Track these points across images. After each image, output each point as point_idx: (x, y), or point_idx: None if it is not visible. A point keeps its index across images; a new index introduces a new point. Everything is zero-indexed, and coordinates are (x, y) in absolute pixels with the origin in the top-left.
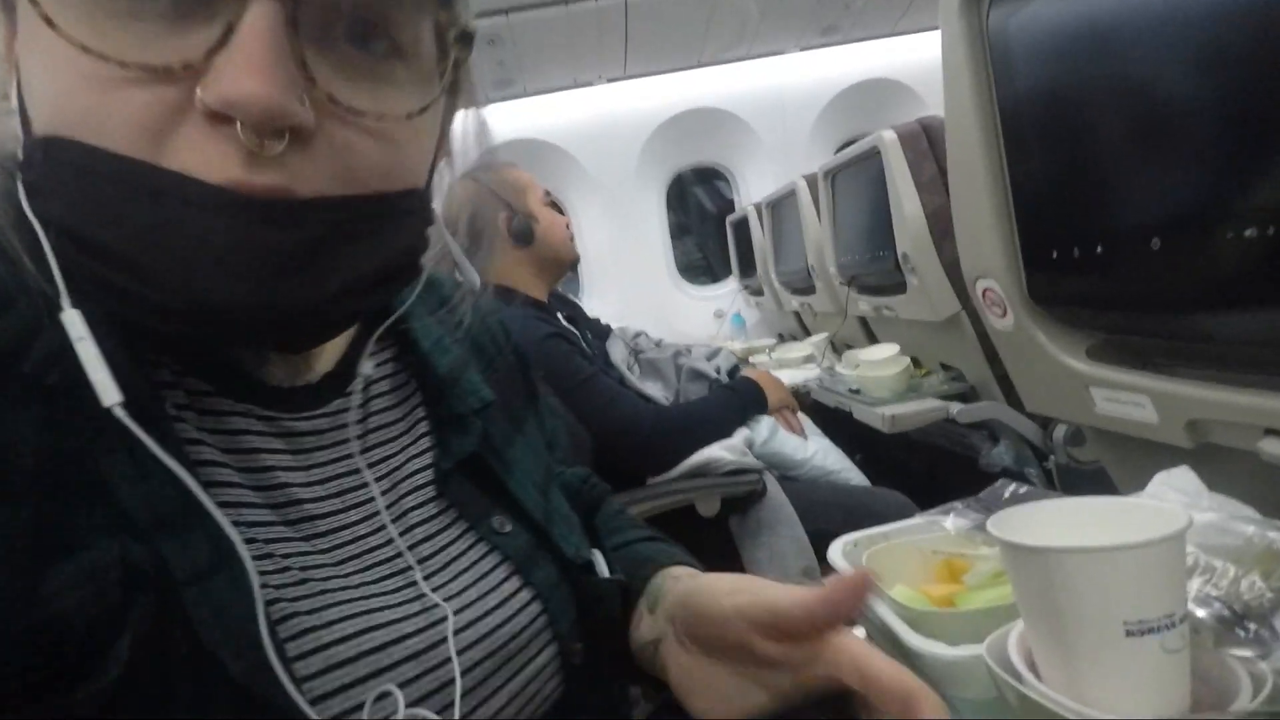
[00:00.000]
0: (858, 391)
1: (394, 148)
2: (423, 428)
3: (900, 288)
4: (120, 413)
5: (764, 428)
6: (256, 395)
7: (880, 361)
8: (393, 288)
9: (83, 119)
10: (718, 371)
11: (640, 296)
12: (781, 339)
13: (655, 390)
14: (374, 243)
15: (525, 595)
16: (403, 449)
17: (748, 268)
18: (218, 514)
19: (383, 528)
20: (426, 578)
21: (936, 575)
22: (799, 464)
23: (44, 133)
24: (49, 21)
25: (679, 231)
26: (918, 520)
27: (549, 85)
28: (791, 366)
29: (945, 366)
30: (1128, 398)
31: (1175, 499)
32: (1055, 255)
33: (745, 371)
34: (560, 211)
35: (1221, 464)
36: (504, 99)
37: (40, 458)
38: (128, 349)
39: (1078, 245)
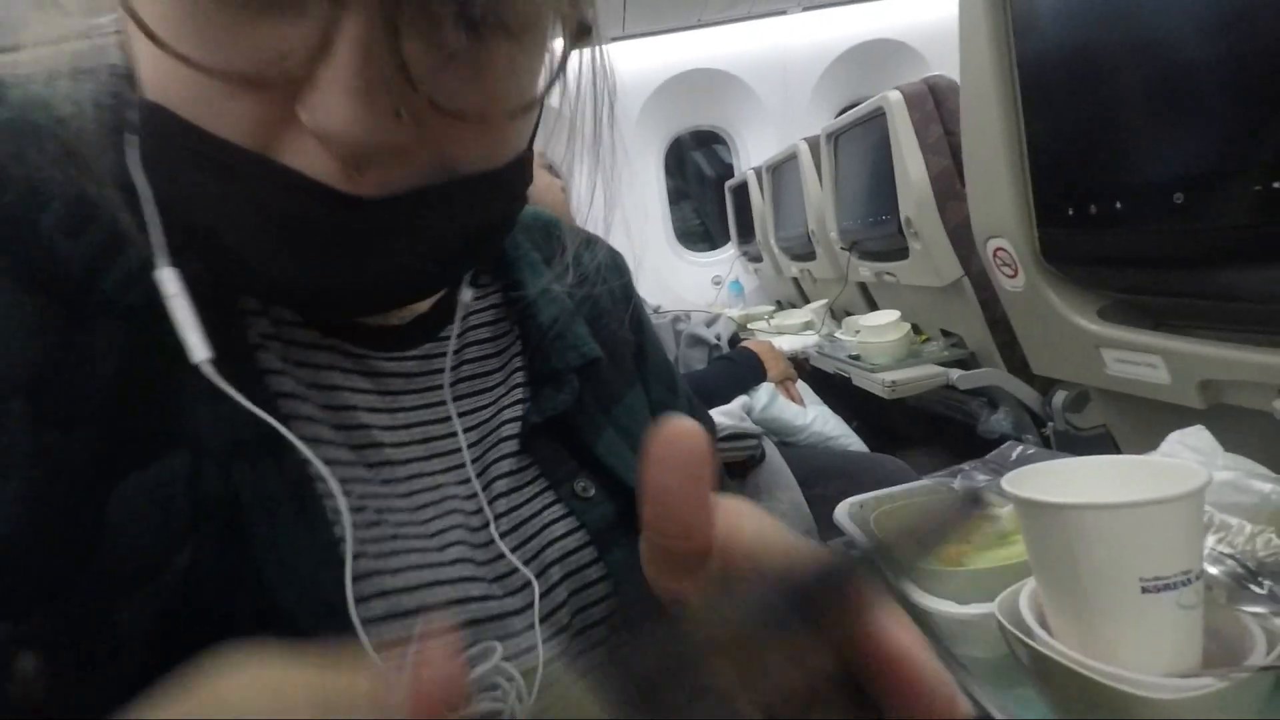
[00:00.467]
0: (857, 358)
1: (499, 133)
2: (519, 378)
3: (902, 253)
4: (208, 369)
5: (763, 394)
6: (344, 331)
7: (881, 327)
8: (491, 248)
9: (190, 110)
10: (717, 339)
11: (638, 262)
12: (780, 306)
13: None
14: (473, 214)
15: (594, 572)
16: (495, 400)
17: (746, 234)
18: (305, 450)
19: (467, 480)
20: (503, 535)
21: None
22: (797, 430)
23: (154, 100)
24: (151, 36)
25: (677, 197)
26: (925, 482)
27: None
28: (791, 333)
29: (946, 333)
30: (1140, 358)
31: (1190, 458)
32: (1071, 213)
33: (745, 341)
34: (556, 175)
35: (1233, 425)
36: None
37: (116, 375)
38: (214, 287)
39: (1094, 202)
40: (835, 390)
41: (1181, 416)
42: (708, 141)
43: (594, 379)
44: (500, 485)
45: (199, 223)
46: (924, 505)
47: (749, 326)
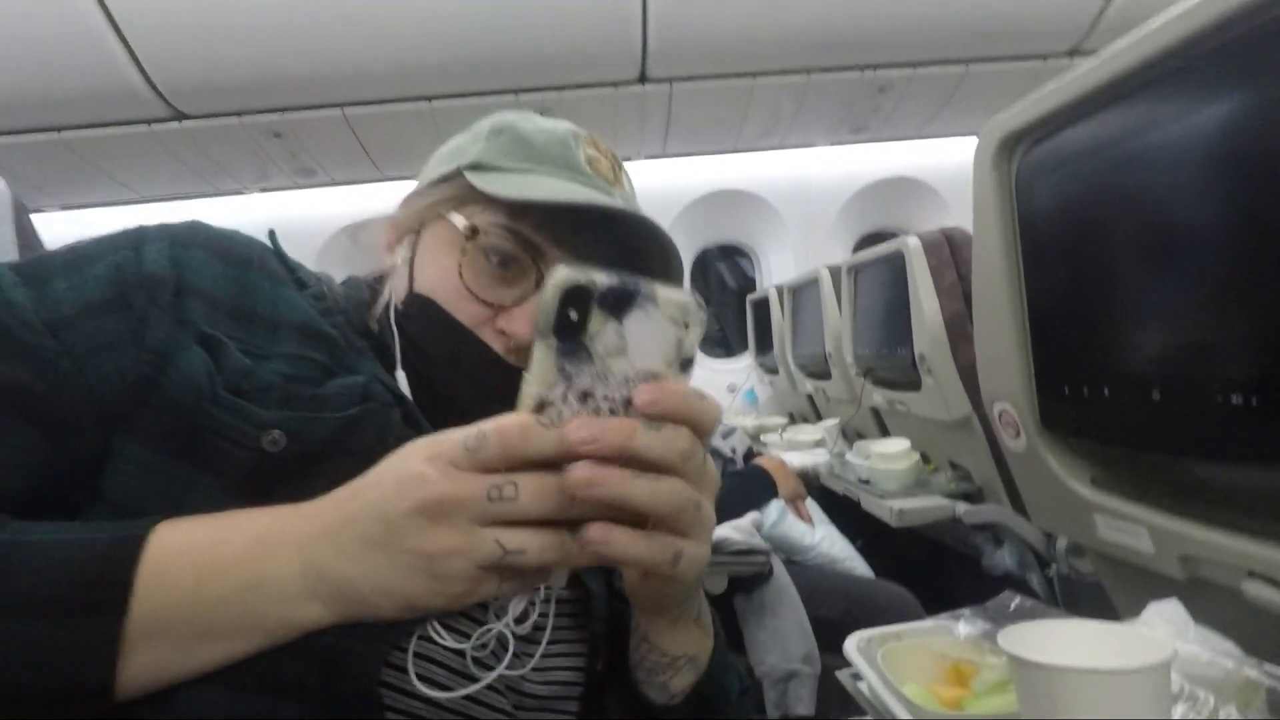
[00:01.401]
0: (867, 482)
1: None
2: None
3: (915, 385)
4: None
5: (773, 511)
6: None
7: (891, 455)
8: None
9: (450, 303)
10: (733, 452)
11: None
12: (792, 419)
13: None
14: None
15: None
16: None
17: (764, 346)
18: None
19: None
20: None
21: (945, 677)
22: (805, 549)
23: (422, 291)
24: (466, 287)
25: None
26: (929, 623)
27: None
28: (802, 449)
29: (954, 465)
30: (1127, 527)
31: (1164, 629)
32: (1067, 390)
33: (759, 458)
34: None
35: (1210, 598)
36: None
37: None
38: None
39: (1086, 385)
40: (842, 509)
41: (1167, 582)
42: (732, 254)
43: None
44: None
45: (426, 358)
46: (927, 644)
47: (762, 438)
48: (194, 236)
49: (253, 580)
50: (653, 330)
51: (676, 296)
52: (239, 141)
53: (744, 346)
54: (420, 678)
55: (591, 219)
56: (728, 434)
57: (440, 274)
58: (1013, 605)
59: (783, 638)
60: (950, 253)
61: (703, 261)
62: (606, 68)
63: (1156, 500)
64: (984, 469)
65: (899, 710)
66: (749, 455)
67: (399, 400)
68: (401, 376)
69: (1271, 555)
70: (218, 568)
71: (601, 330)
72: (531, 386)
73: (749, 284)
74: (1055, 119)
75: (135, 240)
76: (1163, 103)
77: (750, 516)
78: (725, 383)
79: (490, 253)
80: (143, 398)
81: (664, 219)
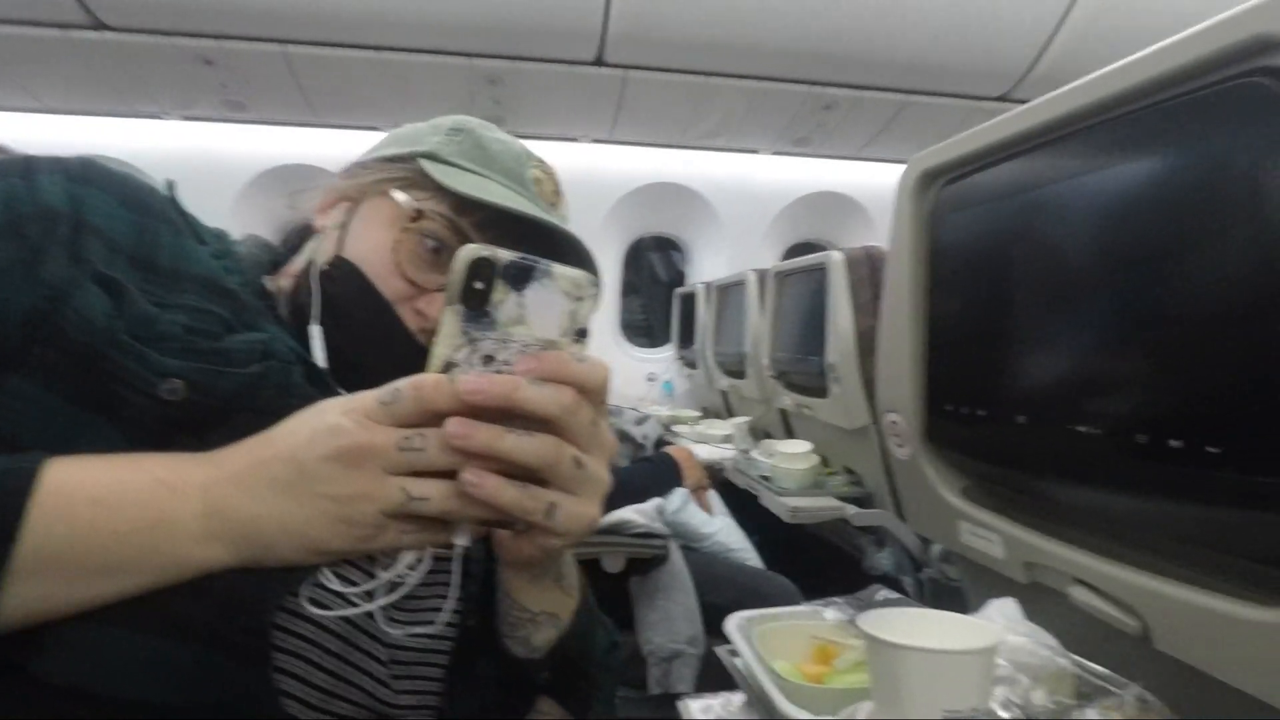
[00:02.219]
0: (768, 479)
1: None
2: None
3: (822, 391)
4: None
5: (676, 498)
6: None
7: (793, 455)
8: None
9: (377, 275)
10: (644, 439)
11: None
12: (706, 413)
13: None
14: None
15: None
16: None
17: (687, 340)
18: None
19: None
20: None
21: (813, 656)
22: (703, 537)
23: (349, 258)
24: (397, 263)
25: (627, 289)
26: (804, 608)
27: (536, 132)
28: (711, 443)
29: (849, 470)
30: (985, 534)
31: (1000, 621)
32: (950, 408)
33: (669, 447)
34: None
35: (1046, 600)
36: None
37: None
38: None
39: (967, 404)
40: (742, 503)
41: (1011, 585)
42: (665, 246)
43: None
44: None
45: (341, 322)
46: (800, 626)
47: (674, 428)
48: (90, 174)
49: (153, 518)
50: (550, 302)
51: (572, 273)
52: (164, 63)
53: (668, 338)
54: (304, 619)
55: (529, 232)
56: (641, 421)
57: (373, 246)
58: (878, 596)
59: (671, 619)
60: (870, 271)
61: (636, 250)
62: (564, 46)
63: (1011, 512)
64: (875, 476)
65: (767, 683)
66: (660, 443)
67: (301, 359)
68: (316, 332)
69: (1095, 566)
70: (117, 503)
71: (504, 300)
72: (440, 348)
73: (679, 277)
74: (970, 161)
75: (24, 169)
76: (1061, 160)
77: (654, 502)
78: (645, 371)
79: (427, 237)
80: (35, 333)
81: (604, 204)
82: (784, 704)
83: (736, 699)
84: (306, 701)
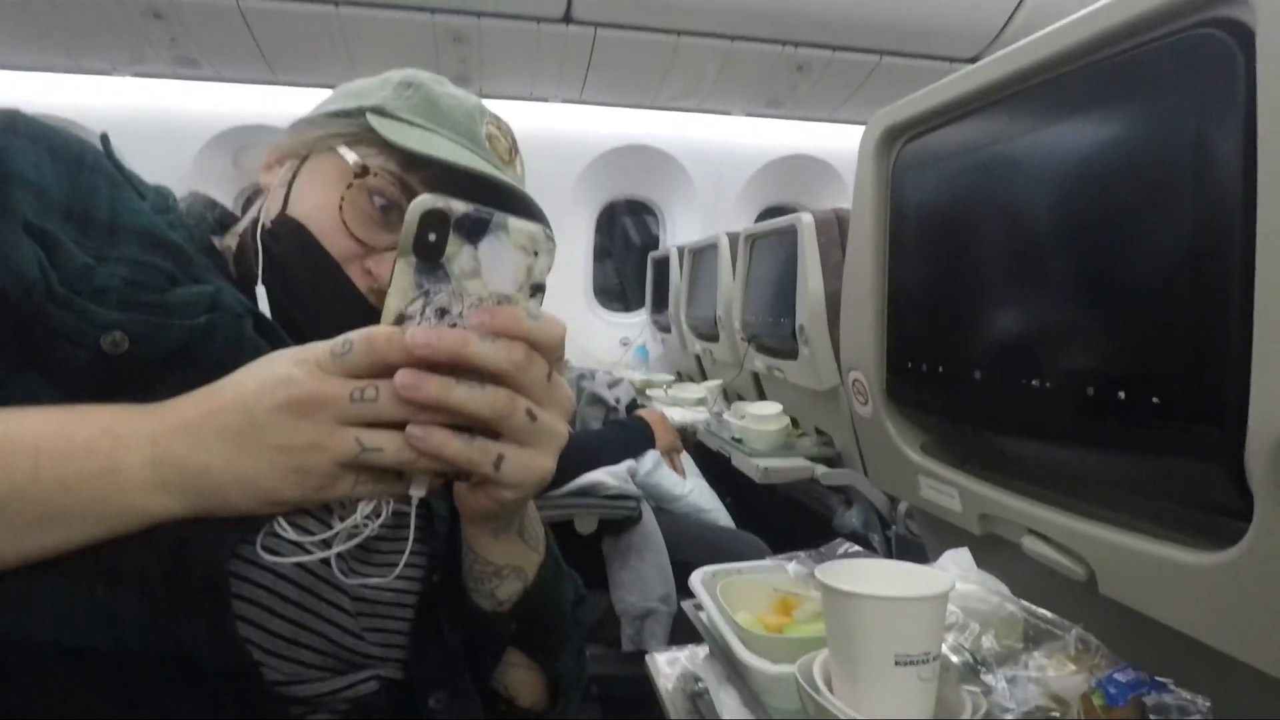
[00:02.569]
0: (739, 440)
1: None
2: None
3: (793, 354)
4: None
5: (648, 460)
6: None
7: (764, 417)
8: None
9: (317, 230)
10: (616, 402)
11: (555, 311)
12: (680, 377)
13: None
14: None
15: None
16: None
17: (660, 304)
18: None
19: None
20: None
21: (774, 608)
22: (675, 499)
23: (294, 216)
24: (344, 221)
25: (601, 253)
26: (767, 562)
27: (504, 92)
28: (684, 406)
29: (819, 431)
30: (943, 488)
31: (954, 570)
32: (910, 365)
33: (641, 410)
34: None
35: (999, 550)
36: None
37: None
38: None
39: (925, 362)
40: (715, 466)
41: (968, 537)
42: (639, 210)
43: None
44: None
45: (287, 281)
46: (762, 580)
47: (648, 392)
48: (15, 125)
49: (100, 468)
50: (505, 256)
51: (527, 227)
52: (110, 15)
53: (641, 302)
54: (261, 568)
55: (481, 190)
56: (614, 384)
57: (319, 203)
58: (840, 550)
59: (644, 579)
60: (840, 233)
61: (610, 214)
62: (532, 1)
63: (967, 467)
64: (845, 437)
65: (728, 634)
66: (632, 406)
67: (251, 313)
68: (261, 293)
69: (1046, 516)
70: (61, 453)
71: (458, 253)
72: (393, 300)
73: (653, 241)
74: (931, 118)
75: None
76: (1016, 117)
77: (626, 464)
78: (619, 336)
79: (374, 195)
80: None
81: (575, 166)
82: (744, 653)
83: (702, 651)
84: (270, 649)
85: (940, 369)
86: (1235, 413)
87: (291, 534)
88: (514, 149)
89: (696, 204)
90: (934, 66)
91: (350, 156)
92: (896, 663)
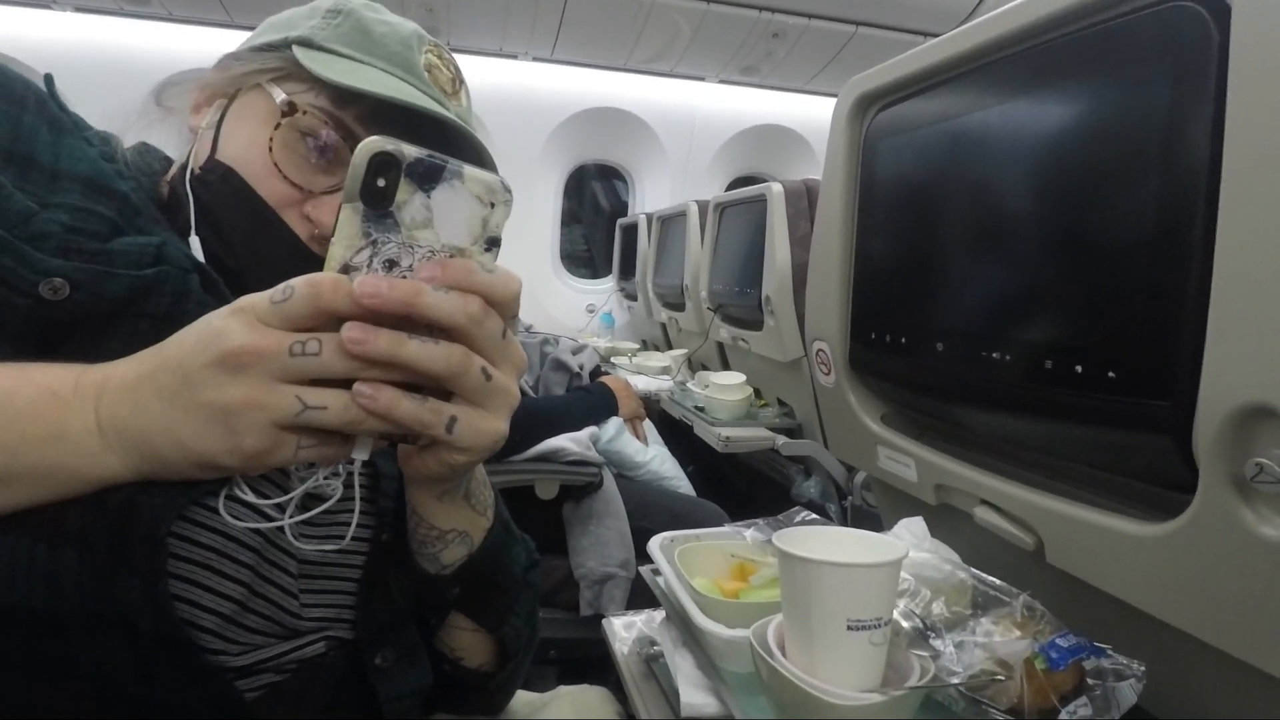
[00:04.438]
0: (702, 409)
1: None
2: None
3: (758, 325)
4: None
5: (611, 427)
6: None
7: (727, 387)
8: None
9: (249, 175)
10: (580, 368)
11: (520, 276)
12: (645, 345)
13: None
14: None
15: None
16: None
17: (628, 271)
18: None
19: None
20: None
21: (731, 573)
22: (637, 465)
23: (225, 160)
24: (275, 164)
25: (569, 219)
26: (725, 529)
27: (474, 47)
28: (649, 374)
29: (781, 402)
30: (900, 458)
31: (908, 539)
32: (872, 335)
33: (605, 376)
34: None
35: (952, 520)
36: None
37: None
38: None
39: (888, 333)
40: (678, 434)
41: (923, 507)
42: (609, 175)
43: None
44: None
45: (221, 230)
46: (720, 546)
47: (612, 360)
48: None
49: (45, 432)
50: (459, 206)
51: (484, 176)
52: None
53: (608, 269)
54: (213, 530)
55: (422, 127)
56: (578, 350)
57: (248, 145)
58: (798, 519)
59: (604, 544)
60: (809, 204)
61: (579, 178)
62: None
63: (925, 438)
64: (806, 408)
65: (684, 598)
66: (596, 373)
67: (198, 267)
68: (195, 242)
69: (998, 486)
70: (6, 415)
71: (409, 201)
72: (337, 249)
73: (622, 207)
74: (905, 85)
75: None
76: (986, 88)
77: (588, 430)
78: (585, 302)
79: (307, 135)
80: None
81: (545, 126)
82: (699, 617)
83: (658, 616)
84: (219, 613)
85: (903, 340)
86: (1187, 388)
87: (250, 496)
88: (457, 80)
89: (667, 171)
90: (910, 40)
91: (278, 94)
92: (849, 627)
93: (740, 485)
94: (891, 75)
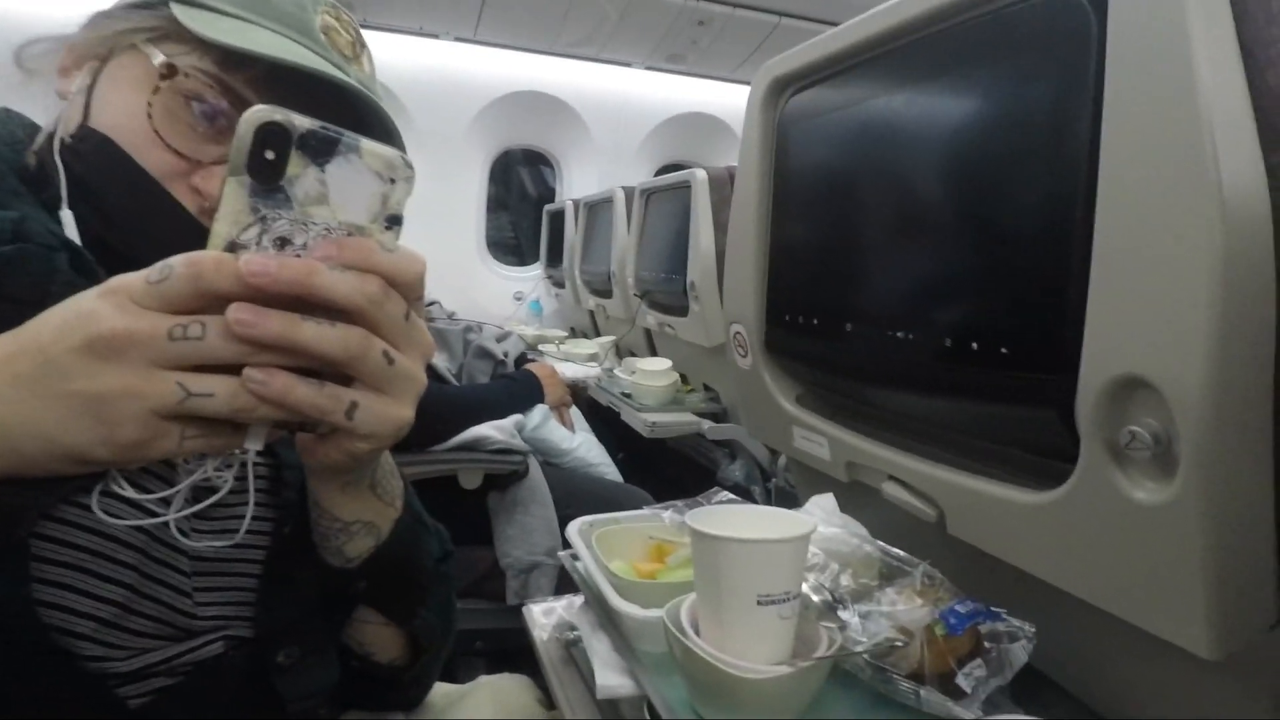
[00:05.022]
0: (629, 396)
1: None
2: None
3: (684, 311)
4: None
5: (536, 414)
6: None
7: (653, 373)
8: None
9: (129, 145)
10: (505, 355)
11: (444, 263)
12: (574, 333)
13: (440, 361)
14: None
15: None
16: None
17: (555, 258)
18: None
19: None
20: None
21: (649, 555)
22: (563, 453)
23: (99, 128)
24: (155, 131)
25: (496, 205)
26: (644, 511)
27: (392, 25)
28: (576, 361)
29: (707, 387)
30: (814, 438)
31: (818, 515)
32: (786, 317)
33: (530, 364)
34: None
35: (864, 496)
36: None
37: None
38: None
39: (801, 314)
40: (607, 422)
41: (836, 485)
42: (536, 161)
43: None
44: None
45: (98, 204)
46: (638, 529)
47: (540, 348)
48: None
49: None
50: (357, 181)
51: (383, 150)
52: None
53: (536, 256)
54: (88, 530)
55: (319, 93)
56: (502, 338)
57: (125, 112)
58: (715, 499)
59: (530, 533)
60: (733, 191)
61: (505, 164)
62: None
63: (837, 417)
64: (731, 392)
65: (601, 581)
66: (521, 360)
67: (66, 245)
68: (67, 216)
69: (904, 462)
70: None
71: (301, 175)
72: (221, 225)
73: (549, 194)
74: (817, 69)
75: None
76: (891, 72)
77: (513, 418)
78: (513, 290)
79: (191, 100)
80: None
81: (468, 110)
82: (615, 599)
83: (579, 601)
84: (97, 617)
85: (815, 321)
86: (1069, 362)
87: (130, 491)
88: (358, 44)
89: (594, 157)
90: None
91: (156, 55)
92: (759, 602)
93: (668, 470)
94: (803, 60)
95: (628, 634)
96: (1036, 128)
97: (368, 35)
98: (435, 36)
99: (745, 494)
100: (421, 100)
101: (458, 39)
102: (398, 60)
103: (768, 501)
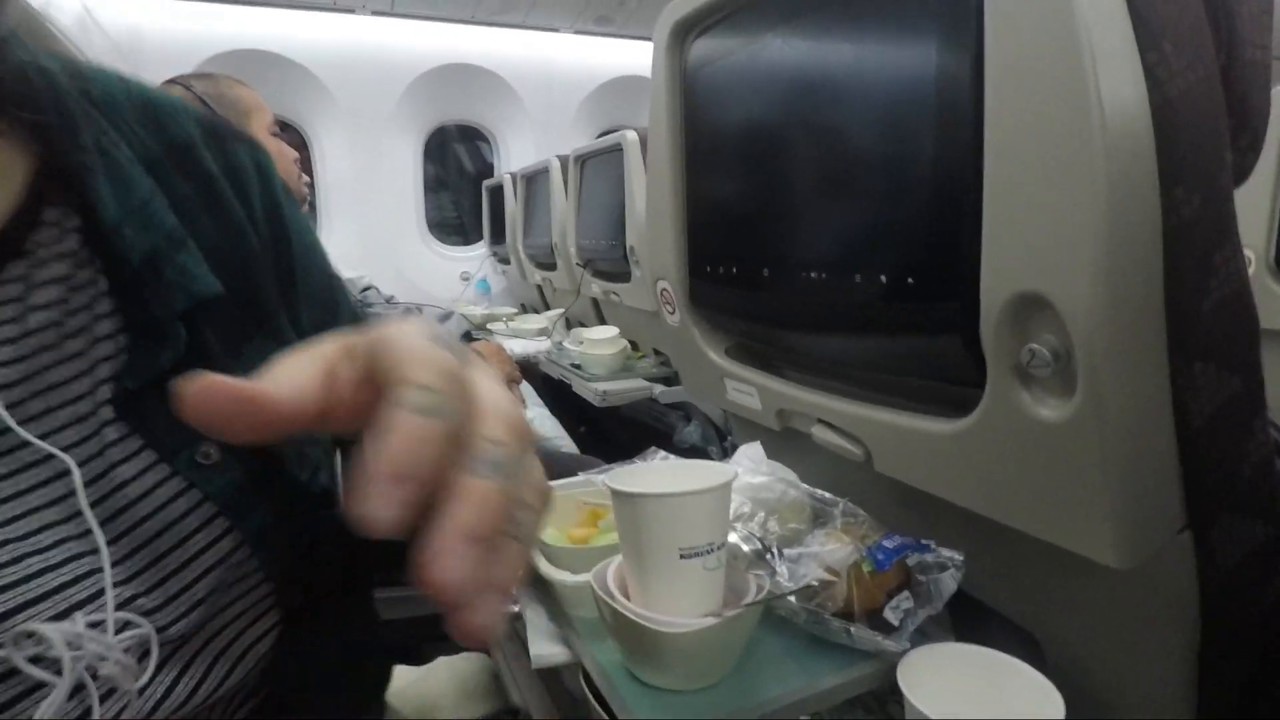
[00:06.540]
0: (579, 367)
1: None
2: (108, 326)
3: (626, 276)
4: None
5: None
6: None
7: (601, 341)
8: None
9: None
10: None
11: (384, 247)
12: (523, 309)
13: None
14: None
15: (228, 544)
16: (73, 356)
17: (499, 235)
18: None
19: (43, 459)
20: (104, 523)
21: (583, 521)
22: None
23: None
24: None
25: (435, 185)
26: (578, 478)
27: (303, 1)
28: (526, 337)
29: (657, 352)
30: (745, 388)
31: (746, 464)
32: (708, 269)
33: (476, 343)
34: (299, 146)
35: (795, 443)
36: (242, 1)
37: None
38: None
39: (721, 265)
40: (561, 395)
41: (770, 434)
42: (472, 137)
43: (214, 318)
44: (92, 468)
45: None
46: (574, 495)
47: (488, 326)
48: None
49: None
50: None
51: None
52: None
53: (480, 235)
54: None
55: None
56: (445, 318)
57: None
58: (655, 459)
59: None
60: None
61: (441, 142)
62: None
63: (765, 366)
64: None
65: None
66: (465, 339)
67: None
68: None
69: (831, 405)
70: None
71: None
72: None
73: (488, 170)
74: (716, 10)
75: None
76: (782, 11)
77: None
78: (459, 271)
79: None
80: None
81: (395, 87)
82: (546, 566)
83: None
84: None
85: (734, 270)
86: (970, 287)
87: None
88: None
89: (530, 128)
90: None
91: None
92: (681, 556)
93: (625, 438)
94: (703, 0)
95: (563, 601)
96: (923, 57)
97: (282, 12)
98: (351, 11)
99: (702, 455)
100: (344, 79)
101: (375, 12)
102: (316, 38)
103: (724, 460)
